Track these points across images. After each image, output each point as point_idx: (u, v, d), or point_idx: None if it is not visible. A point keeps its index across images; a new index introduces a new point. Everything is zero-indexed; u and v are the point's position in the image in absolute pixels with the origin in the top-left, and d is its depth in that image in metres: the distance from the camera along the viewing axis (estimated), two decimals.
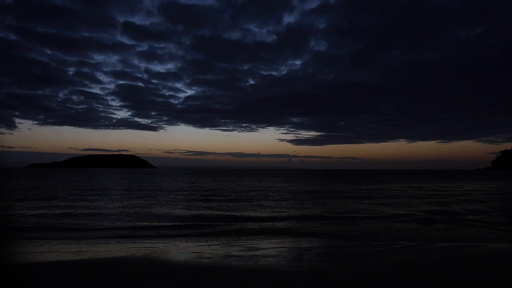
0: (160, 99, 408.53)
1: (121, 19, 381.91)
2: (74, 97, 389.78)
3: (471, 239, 11.16)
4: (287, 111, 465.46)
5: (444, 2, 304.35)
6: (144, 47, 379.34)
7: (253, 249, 9.54)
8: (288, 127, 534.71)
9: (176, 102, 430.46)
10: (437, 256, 8.44)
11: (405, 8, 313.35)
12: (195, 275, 6.84)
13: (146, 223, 14.43)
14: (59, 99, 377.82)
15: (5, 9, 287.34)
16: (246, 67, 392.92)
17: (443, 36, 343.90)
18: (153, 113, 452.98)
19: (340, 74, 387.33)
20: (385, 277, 6.65)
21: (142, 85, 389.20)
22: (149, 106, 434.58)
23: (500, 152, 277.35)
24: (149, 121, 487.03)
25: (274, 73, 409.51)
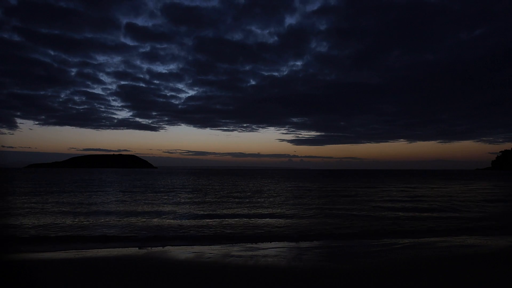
0: (161, 100, 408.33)
1: (124, 20, 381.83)
2: (76, 98, 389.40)
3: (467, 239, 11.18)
4: (287, 111, 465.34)
5: (444, 4, 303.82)
6: (146, 48, 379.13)
7: (253, 249, 9.57)
8: (288, 127, 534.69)
9: (177, 102, 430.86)
10: (438, 256, 8.47)
11: (405, 10, 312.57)
12: (195, 274, 6.86)
13: (146, 223, 14.44)
14: (60, 100, 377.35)
15: (9, 11, 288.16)
16: (247, 67, 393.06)
17: (443, 37, 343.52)
18: (154, 113, 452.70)
19: (340, 75, 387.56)
20: (385, 277, 6.68)
21: (143, 85, 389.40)
22: (150, 107, 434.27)
23: (500, 152, 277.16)
24: (150, 121, 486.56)
25: (275, 73, 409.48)
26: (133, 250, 9.46)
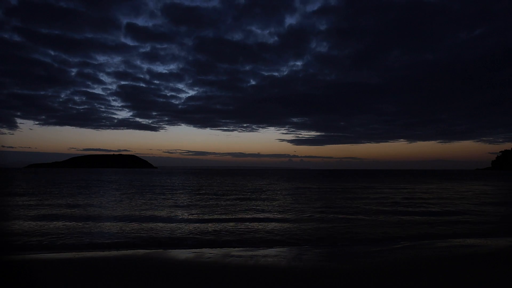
0: (161, 100, 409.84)
1: (125, 20, 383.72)
2: (76, 98, 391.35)
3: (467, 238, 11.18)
4: (287, 111, 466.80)
5: (444, 3, 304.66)
6: (147, 48, 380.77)
7: (254, 249, 9.57)
8: (288, 127, 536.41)
9: (177, 102, 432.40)
10: (438, 256, 8.47)
11: (405, 9, 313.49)
12: (196, 274, 6.86)
13: (144, 226, 14.44)
14: (61, 100, 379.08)
15: (9, 11, 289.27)
16: (247, 67, 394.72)
17: (443, 37, 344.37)
18: (154, 113, 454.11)
19: (340, 75, 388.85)
20: (385, 277, 6.67)
21: (144, 85, 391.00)
22: (150, 107, 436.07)
23: (500, 152, 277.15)
24: (150, 121, 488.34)
25: (275, 73, 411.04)
26: (133, 251, 9.45)
